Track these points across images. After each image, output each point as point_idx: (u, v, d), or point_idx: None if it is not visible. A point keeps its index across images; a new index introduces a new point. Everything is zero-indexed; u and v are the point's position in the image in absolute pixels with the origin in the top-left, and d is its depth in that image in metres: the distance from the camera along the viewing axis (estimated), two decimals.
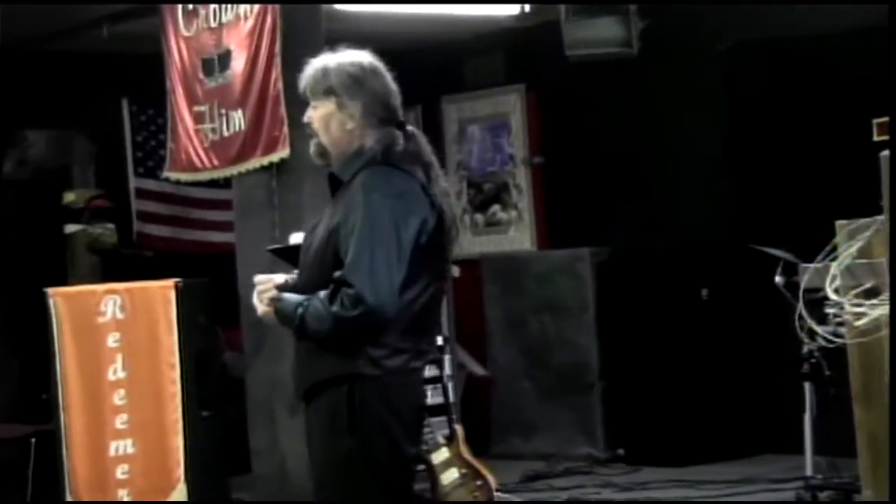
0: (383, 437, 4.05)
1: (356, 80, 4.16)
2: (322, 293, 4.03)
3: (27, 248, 10.39)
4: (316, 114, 4.23)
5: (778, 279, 7.16)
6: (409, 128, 4.23)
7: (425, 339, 4.17)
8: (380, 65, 4.22)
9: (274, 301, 4.17)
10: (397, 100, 4.22)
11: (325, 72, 4.19)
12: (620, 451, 9.54)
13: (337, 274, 4.00)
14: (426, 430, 6.56)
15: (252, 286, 4.25)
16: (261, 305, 4.22)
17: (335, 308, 3.98)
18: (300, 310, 4.07)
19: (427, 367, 4.28)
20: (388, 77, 4.22)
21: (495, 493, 7.45)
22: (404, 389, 4.09)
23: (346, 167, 4.18)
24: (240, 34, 7.76)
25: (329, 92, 4.18)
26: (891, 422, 6.96)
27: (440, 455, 7.31)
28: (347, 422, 4.03)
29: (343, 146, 4.20)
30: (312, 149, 4.29)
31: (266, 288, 4.20)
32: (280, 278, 4.26)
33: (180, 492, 7.45)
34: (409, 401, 4.12)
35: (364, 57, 4.22)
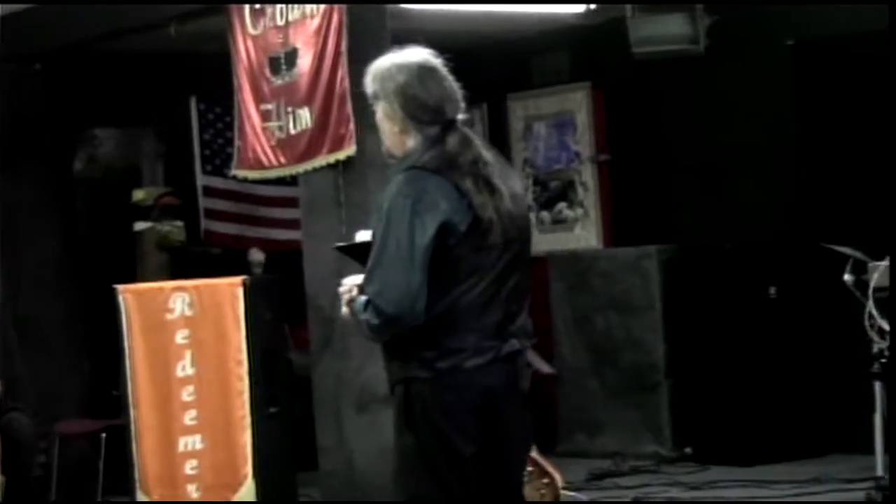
0: (435, 436, 4.14)
1: (396, 84, 4.21)
2: (362, 298, 4.15)
3: (97, 245, 10.50)
4: (377, 116, 4.33)
5: (847, 277, 7.12)
6: (460, 128, 4.24)
7: (493, 337, 4.17)
8: (433, 65, 4.24)
9: (350, 303, 4.27)
10: (447, 101, 4.22)
11: (372, 77, 4.28)
12: (688, 450, 9.50)
13: (368, 291, 4.14)
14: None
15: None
16: (344, 307, 4.31)
17: (366, 316, 4.13)
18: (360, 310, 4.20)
19: (504, 366, 4.24)
20: (440, 78, 4.23)
21: (561, 492, 7.44)
22: (458, 389, 4.13)
23: (392, 171, 4.27)
24: (306, 32, 7.79)
25: (376, 96, 4.29)
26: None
27: None
28: (405, 420, 4.18)
29: (396, 148, 4.29)
30: (384, 150, 4.38)
31: (346, 290, 4.29)
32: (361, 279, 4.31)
33: (248, 488, 7.49)
34: (463, 400, 4.14)
35: (414, 58, 4.24)
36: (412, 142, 4.22)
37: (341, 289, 4.31)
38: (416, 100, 4.19)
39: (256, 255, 9.91)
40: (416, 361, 4.13)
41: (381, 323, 4.09)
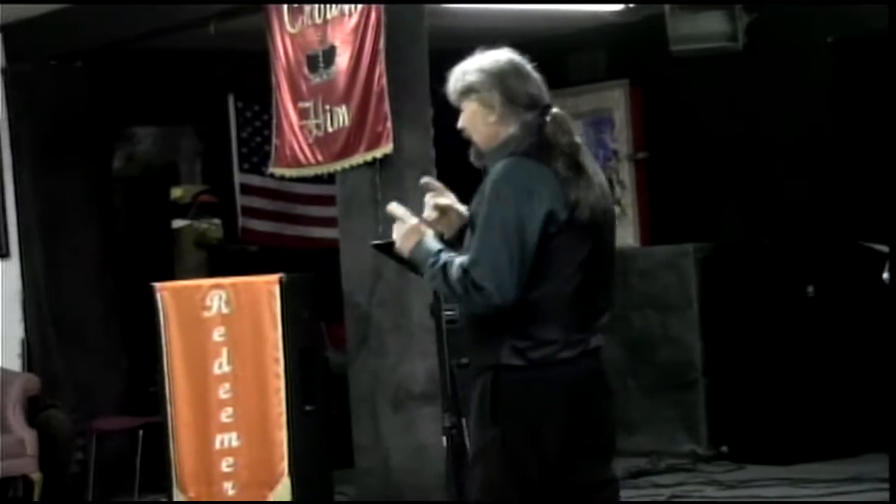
0: (524, 429, 4.11)
1: (491, 74, 4.27)
2: (458, 260, 4.12)
3: (135, 243, 10.55)
4: (464, 116, 4.35)
5: (885, 276, 7.07)
6: (555, 111, 4.31)
7: (582, 330, 4.18)
8: (518, 58, 4.35)
9: (420, 234, 4.28)
10: (540, 87, 4.32)
11: (463, 73, 4.33)
12: (724, 449, 9.47)
13: (464, 261, 4.10)
14: None
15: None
16: (405, 222, 4.32)
17: (465, 283, 4.07)
18: (434, 258, 4.18)
19: (590, 361, 4.23)
20: (528, 68, 4.34)
21: None
22: (549, 381, 4.12)
23: (492, 160, 4.26)
24: (344, 30, 7.80)
25: (469, 91, 4.30)
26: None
27: None
28: (490, 411, 4.13)
29: (492, 140, 4.29)
30: (472, 154, 4.39)
31: (401, 213, 4.35)
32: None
33: (284, 485, 7.51)
34: (554, 392, 4.13)
35: (501, 54, 4.34)
36: (510, 129, 4.25)
37: (400, 213, 4.35)
38: (515, 86, 4.28)
39: None
40: (508, 350, 4.11)
41: (480, 303, 4.06)
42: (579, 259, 4.16)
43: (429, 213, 4.37)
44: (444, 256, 4.19)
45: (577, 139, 4.28)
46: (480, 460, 4.20)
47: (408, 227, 4.32)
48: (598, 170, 4.32)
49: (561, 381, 4.13)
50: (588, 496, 4.27)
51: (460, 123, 4.37)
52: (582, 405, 4.20)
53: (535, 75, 4.34)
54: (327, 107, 7.94)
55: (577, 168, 4.19)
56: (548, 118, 4.27)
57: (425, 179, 4.48)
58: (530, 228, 4.06)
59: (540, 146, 4.19)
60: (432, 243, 4.26)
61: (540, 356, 4.10)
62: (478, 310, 4.10)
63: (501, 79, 4.27)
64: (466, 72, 4.31)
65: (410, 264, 4.41)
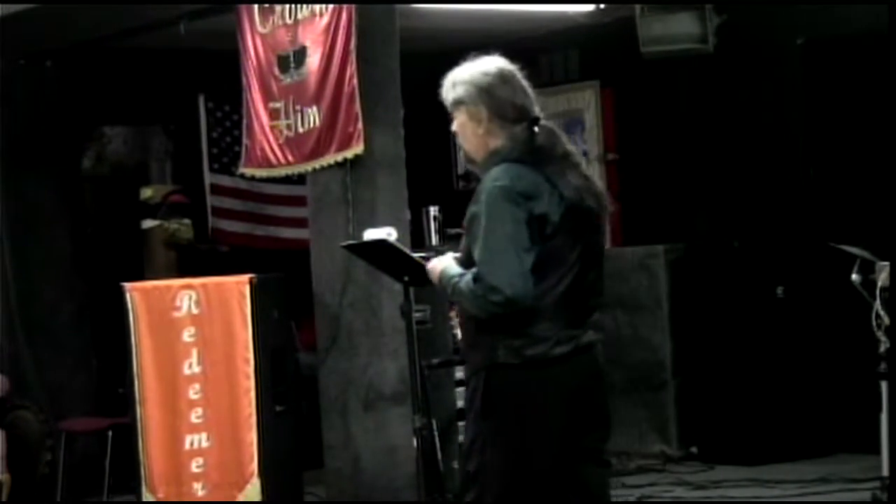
0: (517, 425, 4.21)
1: (479, 87, 4.38)
2: (469, 274, 4.24)
3: (105, 243, 10.51)
4: (455, 124, 4.47)
5: (855, 277, 7.10)
6: (544, 122, 4.42)
7: (574, 326, 4.28)
8: (512, 69, 4.45)
9: (445, 278, 4.39)
10: (528, 98, 4.43)
11: (452, 84, 4.44)
12: (694, 449, 9.50)
13: (474, 270, 4.22)
14: None
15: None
16: (440, 279, 4.43)
17: (478, 292, 4.17)
18: (455, 279, 4.29)
19: (582, 356, 4.34)
20: (517, 77, 4.44)
21: None
22: (547, 378, 4.22)
23: (484, 168, 4.38)
24: (315, 31, 7.79)
25: (458, 103, 4.42)
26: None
27: None
28: (481, 407, 4.24)
29: (479, 151, 4.42)
30: (463, 159, 4.58)
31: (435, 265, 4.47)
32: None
33: (254, 486, 7.49)
34: (553, 389, 4.23)
35: (490, 63, 4.44)
36: (499, 141, 4.36)
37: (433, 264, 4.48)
38: (502, 99, 4.38)
39: None
40: (504, 349, 4.22)
41: (496, 302, 4.14)
42: (572, 259, 4.27)
43: (433, 263, 4.53)
44: (459, 275, 4.31)
45: (569, 147, 4.41)
46: (472, 451, 4.31)
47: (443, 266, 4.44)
48: (591, 174, 4.45)
49: (556, 380, 4.24)
50: (587, 479, 4.44)
51: (455, 131, 4.49)
52: (579, 401, 4.31)
53: (524, 84, 4.44)
54: (298, 107, 7.93)
55: (569, 172, 4.31)
56: (539, 130, 4.38)
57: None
58: (524, 230, 4.17)
59: (531, 153, 4.30)
60: (454, 268, 4.37)
61: (535, 354, 4.21)
62: (498, 310, 4.17)
63: (489, 92, 4.36)
64: (456, 83, 4.41)
65: (386, 266, 4.47)
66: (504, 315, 4.17)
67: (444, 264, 4.40)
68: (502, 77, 4.39)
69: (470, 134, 4.41)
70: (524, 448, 4.21)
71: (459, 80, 4.40)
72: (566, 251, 4.25)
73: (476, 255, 4.22)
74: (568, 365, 4.26)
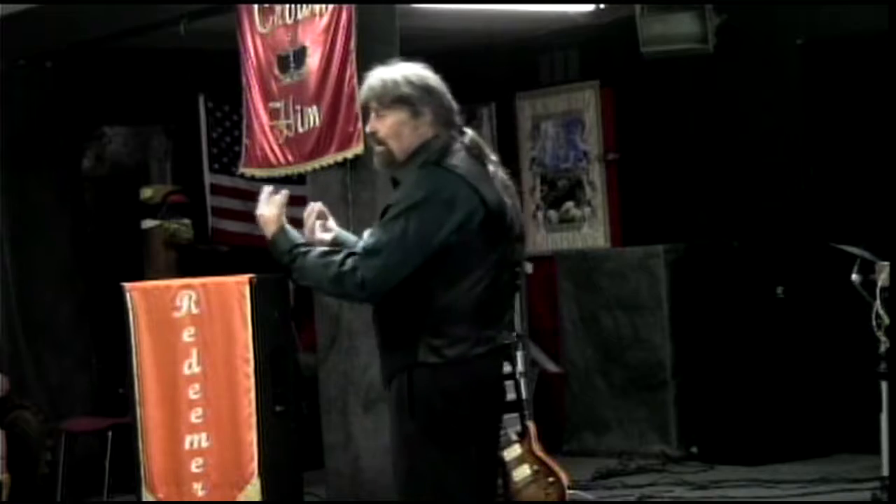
0: (440, 423, 4.27)
1: (425, 88, 4.40)
2: (338, 257, 4.32)
3: (105, 243, 10.51)
4: (384, 122, 4.43)
5: (855, 277, 7.11)
6: (466, 129, 4.45)
7: (490, 327, 4.34)
8: (435, 76, 4.47)
9: (278, 223, 4.58)
10: (455, 105, 4.45)
11: (395, 82, 4.41)
12: (694, 449, 9.50)
13: (358, 247, 4.29)
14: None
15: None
16: (269, 210, 4.67)
17: (346, 270, 4.26)
18: (297, 251, 4.46)
19: (498, 356, 4.41)
20: (445, 86, 4.47)
21: (567, 491, 7.44)
22: (465, 377, 4.28)
23: (407, 170, 4.40)
24: (315, 31, 7.79)
25: (401, 101, 4.40)
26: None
27: (512, 452, 7.33)
28: (408, 407, 4.29)
29: (410, 151, 4.42)
30: (378, 158, 4.49)
31: (278, 202, 4.67)
32: (328, 227, 4.65)
33: (254, 486, 7.49)
34: (470, 388, 4.29)
35: (425, 69, 4.46)
36: (429, 144, 4.37)
37: (307, 211, 4.60)
38: (443, 100, 4.41)
39: None
40: (424, 349, 4.27)
41: (353, 295, 4.27)
42: (491, 261, 4.32)
43: (320, 236, 4.60)
44: (304, 245, 4.46)
45: (493, 155, 4.44)
46: (402, 452, 4.36)
47: (276, 213, 4.60)
48: (509, 182, 4.48)
49: (472, 377, 4.30)
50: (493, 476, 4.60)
51: (377, 129, 4.44)
52: (488, 399, 4.39)
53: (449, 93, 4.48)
54: (298, 107, 7.94)
55: (492, 179, 4.36)
56: (463, 135, 4.42)
57: (318, 207, 4.72)
58: (431, 241, 4.21)
59: (455, 158, 4.33)
60: (297, 233, 4.52)
61: (455, 354, 4.26)
62: (337, 297, 4.35)
63: (434, 94, 4.40)
64: (399, 81, 4.40)
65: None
66: (424, 315, 4.24)
67: (282, 223, 4.54)
68: (440, 83, 4.44)
69: (407, 133, 4.38)
70: (456, 443, 4.28)
71: (404, 79, 4.40)
72: (484, 253, 4.30)
73: (369, 240, 4.27)
74: (485, 363, 4.32)
